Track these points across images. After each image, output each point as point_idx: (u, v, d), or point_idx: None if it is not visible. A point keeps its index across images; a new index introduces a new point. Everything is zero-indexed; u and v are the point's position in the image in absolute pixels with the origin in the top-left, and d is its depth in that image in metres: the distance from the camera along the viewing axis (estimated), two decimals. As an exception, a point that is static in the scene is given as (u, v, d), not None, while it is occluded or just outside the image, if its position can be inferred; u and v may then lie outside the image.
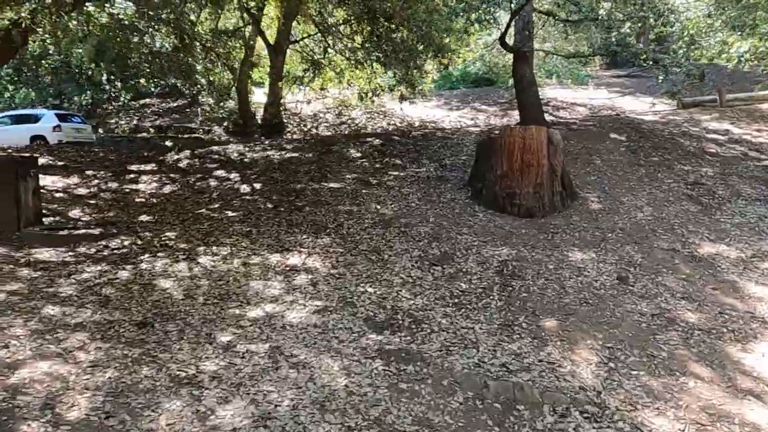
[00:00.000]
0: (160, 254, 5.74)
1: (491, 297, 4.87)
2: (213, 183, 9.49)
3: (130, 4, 9.26)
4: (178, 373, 3.30)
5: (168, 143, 11.84)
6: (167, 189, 9.19)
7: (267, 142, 12.81)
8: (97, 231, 6.25)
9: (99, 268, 5.16)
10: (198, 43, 12.17)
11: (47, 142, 14.59)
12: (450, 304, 4.71)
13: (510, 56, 14.53)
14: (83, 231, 6.21)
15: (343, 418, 3.01)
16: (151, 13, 8.87)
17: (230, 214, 7.58)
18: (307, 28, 14.99)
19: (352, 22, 9.58)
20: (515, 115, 15.89)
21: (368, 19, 9.29)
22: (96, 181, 9.53)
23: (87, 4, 10.04)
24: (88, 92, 21.75)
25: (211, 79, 14.30)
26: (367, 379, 3.42)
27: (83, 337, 3.59)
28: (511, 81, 20.07)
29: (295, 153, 11.21)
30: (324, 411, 3.06)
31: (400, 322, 4.32)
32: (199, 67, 13.48)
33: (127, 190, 9.05)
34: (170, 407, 2.95)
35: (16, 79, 23.30)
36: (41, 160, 11.04)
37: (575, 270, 5.50)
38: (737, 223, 6.77)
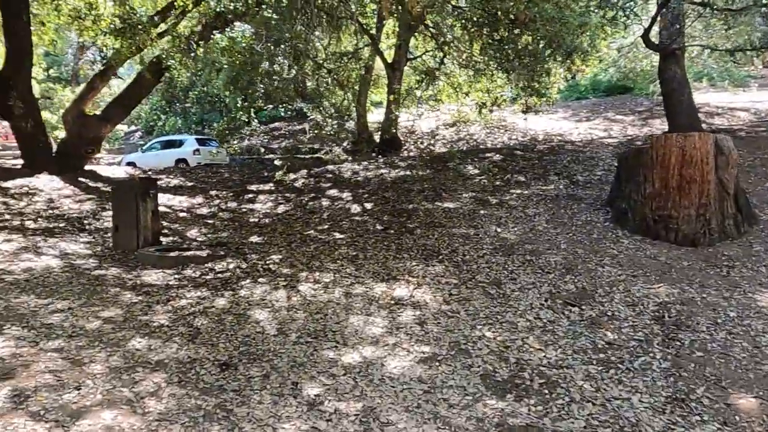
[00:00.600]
0: (261, 279, 5.40)
1: (651, 354, 3.71)
2: (325, 203, 9.25)
3: (248, 27, 9.53)
4: (253, 434, 2.74)
5: (277, 162, 12.00)
6: (280, 209, 9.12)
7: (381, 160, 12.46)
8: (204, 253, 6.14)
9: (198, 293, 4.92)
10: (324, 70, 12.36)
11: (188, 164, 15.92)
12: (594, 361, 3.65)
13: (654, 58, 12.70)
14: (191, 253, 6.14)
15: None
16: (276, 45, 9.04)
17: (338, 236, 7.15)
18: (426, 44, 14.61)
19: (471, 27, 8.80)
20: (657, 124, 13.85)
21: (488, 23, 8.47)
22: (217, 201, 9.80)
23: (214, 33, 10.54)
24: (224, 118, 23.64)
25: (333, 101, 14.50)
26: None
27: (160, 379, 3.21)
28: (651, 87, 17.78)
29: (408, 171, 10.66)
30: None
31: (528, 383, 3.38)
32: (321, 90, 13.77)
33: (244, 210, 9.13)
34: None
35: (167, 109, 26.32)
36: (174, 182, 11.78)
37: (770, 321, 4.09)
38: None
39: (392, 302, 4.78)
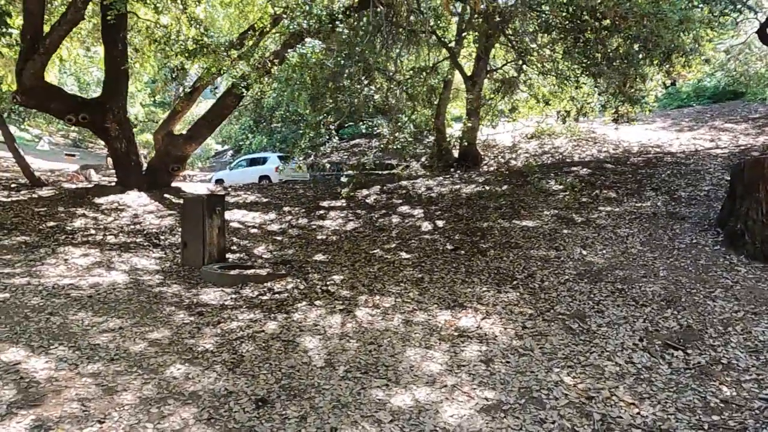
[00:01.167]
0: (318, 302, 5.09)
1: (785, 421, 2.89)
2: (395, 220, 8.88)
3: (318, 42, 9.51)
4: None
5: (344, 179, 11.86)
6: (350, 226, 8.87)
7: (457, 175, 11.92)
8: (264, 272, 5.97)
9: (251, 315, 4.70)
10: (400, 85, 12.16)
11: (271, 180, 16.40)
12: (705, 425, 2.90)
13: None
14: (252, 271, 5.99)
15: None
16: (353, 62, 8.93)
17: (404, 255, 6.72)
18: (507, 56, 13.94)
19: (554, 30, 8.10)
20: (780, 132, 12.11)
21: (573, 25, 7.74)
22: (289, 218, 9.77)
23: (289, 51, 10.66)
24: (307, 136, 24.34)
25: (411, 116, 14.24)
26: None
27: (189, 414, 2.94)
28: (767, 91, 15.75)
29: (486, 186, 10.03)
30: None
31: (616, 449, 2.72)
32: (399, 105, 13.58)
33: (313, 227, 8.99)
34: None
35: (255, 128, 27.67)
36: (251, 198, 12.01)
37: None
38: None
39: (455, 333, 4.25)
